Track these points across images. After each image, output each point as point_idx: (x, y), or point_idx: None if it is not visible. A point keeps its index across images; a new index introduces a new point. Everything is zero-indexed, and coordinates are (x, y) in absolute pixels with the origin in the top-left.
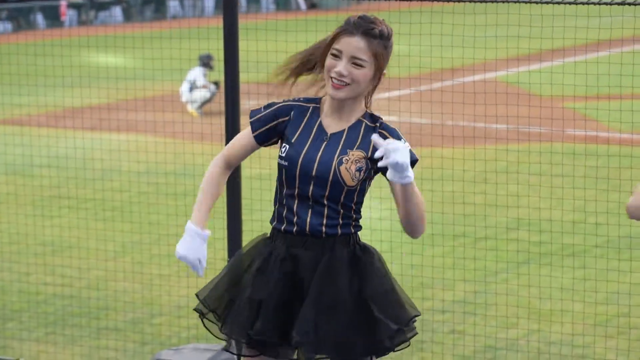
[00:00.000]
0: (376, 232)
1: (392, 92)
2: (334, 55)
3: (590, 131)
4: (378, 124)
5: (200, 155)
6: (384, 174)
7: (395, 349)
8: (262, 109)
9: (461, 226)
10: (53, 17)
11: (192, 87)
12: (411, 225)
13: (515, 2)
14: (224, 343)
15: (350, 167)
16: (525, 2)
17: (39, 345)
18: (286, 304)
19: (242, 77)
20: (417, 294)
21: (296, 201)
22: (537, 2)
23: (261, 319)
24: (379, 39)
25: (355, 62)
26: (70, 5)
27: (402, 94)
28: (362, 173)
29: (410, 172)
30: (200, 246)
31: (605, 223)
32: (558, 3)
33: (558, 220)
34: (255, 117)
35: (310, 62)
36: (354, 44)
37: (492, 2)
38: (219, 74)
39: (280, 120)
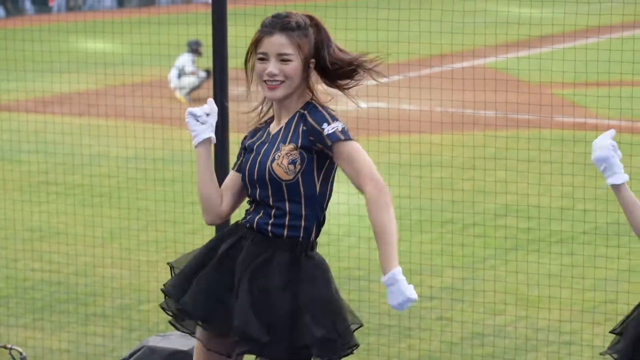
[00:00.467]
0: (364, 218)
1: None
2: (261, 59)
3: (579, 118)
4: (306, 111)
5: (188, 142)
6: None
7: (342, 356)
8: None
9: (449, 212)
10: (41, 2)
11: (181, 73)
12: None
13: None
14: None
15: (282, 162)
16: None
17: (26, 331)
18: (219, 286)
19: (231, 62)
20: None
21: (253, 204)
22: None
23: (190, 292)
24: (297, 30)
25: (282, 58)
26: None
27: (391, 80)
28: (297, 165)
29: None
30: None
31: (593, 210)
32: None
33: (546, 207)
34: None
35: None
36: (276, 42)
37: None
38: (207, 59)
39: (243, 141)
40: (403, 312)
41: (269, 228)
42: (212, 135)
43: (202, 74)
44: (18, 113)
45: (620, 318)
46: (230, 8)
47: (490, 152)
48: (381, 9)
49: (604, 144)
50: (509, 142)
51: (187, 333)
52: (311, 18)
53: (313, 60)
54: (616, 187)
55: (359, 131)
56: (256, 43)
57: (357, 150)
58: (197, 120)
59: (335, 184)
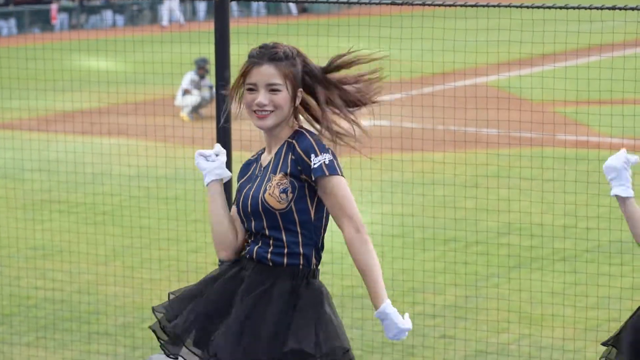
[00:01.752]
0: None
1: (383, 96)
2: (250, 90)
3: (581, 136)
4: (295, 140)
5: (191, 160)
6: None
7: None
8: None
9: (452, 230)
10: (44, 20)
11: (184, 92)
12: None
13: (506, 6)
14: None
15: (273, 192)
16: (517, 7)
17: (29, 349)
18: (214, 316)
19: (234, 80)
20: (408, 298)
21: (251, 236)
22: (528, 7)
23: (183, 316)
24: (285, 61)
25: (271, 88)
26: (61, 9)
27: (393, 98)
28: (288, 194)
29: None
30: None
31: (596, 227)
32: (549, 7)
33: (549, 225)
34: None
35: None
36: (265, 72)
37: (483, 6)
38: (211, 78)
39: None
40: None
41: (269, 257)
42: (223, 172)
43: (206, 94)
44: (21, 131)
45: None
46: (232, 27)
47: (492, 170)
48: (383, 27)
49: (618, 155)
50: (512, 160)
51: (172, 356)
52: (297, 50)
53: (301, 89)
54: (622, 200)
55: (362, 149)
56: (244, 74)
57: (340, 186)
58: (207, 160)
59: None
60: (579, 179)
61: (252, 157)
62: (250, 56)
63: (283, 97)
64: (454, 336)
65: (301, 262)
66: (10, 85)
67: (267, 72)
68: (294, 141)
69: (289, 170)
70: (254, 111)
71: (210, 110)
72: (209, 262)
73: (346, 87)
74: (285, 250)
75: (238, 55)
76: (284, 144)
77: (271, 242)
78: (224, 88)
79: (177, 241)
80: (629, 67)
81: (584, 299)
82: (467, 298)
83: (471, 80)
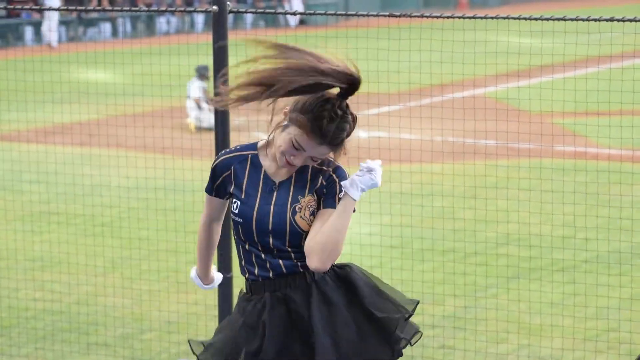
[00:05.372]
0: (365, 247)
1: (381, 107)
2: (294, 146)
3: (580, 147)
4: (331, 168)
5: (189, 171)
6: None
7: (412, 342)
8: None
9: (451, 241)
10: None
11: (199, 106)
12: (323, 248)
13: (504, 18)
14: None
15: (305, 215)
16: (515, 19)
17: None
18: (287, 347)
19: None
20: None
21: (261, 252)
22: (526, 19)
23: None
24: (343, 142)
25: (314, 159)
26: (59, 22)
27: (392, 109)
28: (314, 215)
29: (361, 194)
30: (203, 287)
31: (594, 238)
32: (547, 19)
33: (547, 236)
34: (206, 187)
35: (265, 92)
36: (318, 150)
37: (481, 18)
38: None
39: (223, 176)
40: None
41: (299, 264)
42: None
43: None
44: (19, 143)
45: (624, 346)
46: (230, 39)
47: (491, 181)
48: (381, 39)
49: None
50: (510, 171)
51: None
52: (353, 116)
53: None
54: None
55: (360, 160)
56: (300, 126)
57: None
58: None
59: (354, 206)
60: (577, 190)
61: (240, 153)
62: (321, 134)
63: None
64: (453, 346)
65: None
66: (9, 97)
67: (321, 152)
68: (329, 169)
69: (317, 191)
70: (285, 158)
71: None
72: None
73: None
74: (305, 258)
75: (236, 67)
76: (306, 165)
77: (292, 255)
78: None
79: (176, 252)
80: (627, 79)
81: (582, 310)
82: (466, 308)
83: (469, 91)
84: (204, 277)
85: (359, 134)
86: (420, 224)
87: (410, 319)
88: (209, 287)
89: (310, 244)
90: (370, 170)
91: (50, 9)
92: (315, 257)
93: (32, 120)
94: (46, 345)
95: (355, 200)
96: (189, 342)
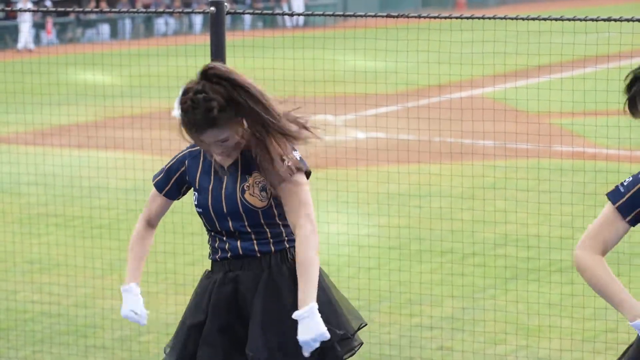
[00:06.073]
0: (364, 248)
1: (379, 108)
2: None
3: (577, 147)
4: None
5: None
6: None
7: (344, 357)
8: (161, 171)
9: (449, 242)
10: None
11: None
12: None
13: (502, 18)
14: None
15: (254, 192)
16: (512, 19)
17: None
18: (230, 325)
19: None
20: (405, 310)
21: (224, 236)
22: (523, 19)
23: (205, 344)
24: (222, 113)
25: (220, 143)
26: (57, 23)
27: (389, 110)
28: (268, 191)
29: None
30: (132, 300)
31: None
32: (544, 19)
33: (545, 236)
34: (156, 179)
35: None
36: (207, 138)
37: (479, 18)
38: None
39: (179, 172)
40: (403, 342)
41: (256, 249)
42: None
43: None
44: (17, 145)
45: (622, 347)
46: (228, 40)
47: (489, 181)
48: (379, 39)
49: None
50: (508, 171)
51: None
52: (219, 76)
53: (242, 118)
54: None
55: (358, 161)
56: (184, 130)
57: (303, 185)
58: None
59: (334, 215)
60: (575, 190)
61: (192, 149)
62: (188, 124)
63: (232, 141)
64: (451, 348)
65: (286, 245)
66: (7, 99)
67: (212, 137)
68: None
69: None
70: (213, 156)
71: None
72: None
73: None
74: (270, 239)
75: (234, 68)
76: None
77: (253, 236)
78: None
79: (174, 254)
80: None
81: (580, 310)
82: (464, 310)
83: (467, 92)
84: (129, 282)
85: (357, 135)
86: (419, 224)
87: (353, 335)
88: (137, 302)
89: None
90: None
91: (55, 10)
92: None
93: (30, 122)
94: (44, 348)
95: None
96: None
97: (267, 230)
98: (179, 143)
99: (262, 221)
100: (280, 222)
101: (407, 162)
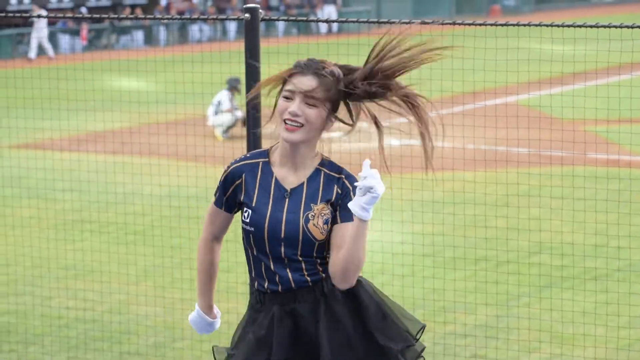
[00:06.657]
0: (397, 255)
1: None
2: (286, 98)
3: (612, 155)
4: (343, 176)
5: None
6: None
7: None
8: (218, 185)
9: (483, 250)
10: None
11: (217, 110)
12: (345, 271)
13: (536, 25)
14: None
15: (317, 223)
16: (547, 26)
17: None
18: None
19: (264, 100)
20: (439, 318)
21: (271, 262)
22: (558, 26)
23: None
24: (330, 78)
25: (308, 102)
26: (92, 30)
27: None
28: (329, 225)
29: (371, 210)
30: (207, 326)
31: (627, 247)
32: (579, 26)
33: (580, 244)
34: (216, 195)
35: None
36: (307, 83)
37: (513, 25)
38: (242, 98)
39: (235, 185)
40: (437, 350)
41: (308, 279)
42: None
43: (239, 113)
44: (52, 151)
45: None
46: (263, 46)
47: (523, 189)
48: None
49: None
50: (542, 179)
51: None
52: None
53: (335, 117)
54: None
55: (393, 168)
56: (285, 79)
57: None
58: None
59: (369, 222)
60: (610, 198)
61: (251, 161)
62: (297, 65)
63: (317, 113)
64: (485, 356)
65: (322, 276)
66: (42, 105)
67: (309, 83)
68: (341, 176)
69: (332, 200)
70: (285, 120)
71: (240, 130)
72: (239, 281)
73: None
74: (319, 269)
75: (269, 75)
76: (317, 171)
77: (303, 265)
78: (254, 109)
79: None
80: None
81: (615, 319)
82: (498, 317)
83: (502, 99)
84: (208, 309)
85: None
86: (452, 232)
87: (416, 342)
88: (212, 326)
89: (332, 270)
90: (369, 189)
91: (91, 17)
92: (340, 281)
93: (66, 129)
94: (79, 354)
95: (367, 221)
96: (212, 349)
97: (317, 260)
98: (213, 149)
99: (314, 253)
100: (327, 255)
101: (441, 170)
